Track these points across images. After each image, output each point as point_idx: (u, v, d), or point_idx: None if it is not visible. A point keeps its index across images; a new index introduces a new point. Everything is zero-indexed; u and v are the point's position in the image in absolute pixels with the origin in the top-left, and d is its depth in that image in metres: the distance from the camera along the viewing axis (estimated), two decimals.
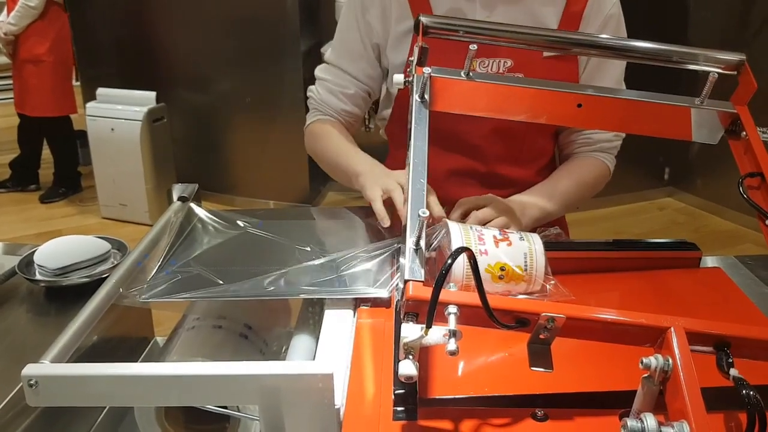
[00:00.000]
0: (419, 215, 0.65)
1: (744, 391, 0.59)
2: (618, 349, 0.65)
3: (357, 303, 0.88)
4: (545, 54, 1.18)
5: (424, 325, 0.60)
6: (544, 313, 0.61)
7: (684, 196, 4.38)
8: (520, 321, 0.62)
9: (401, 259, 0.76)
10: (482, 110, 0.93)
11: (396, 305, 0.86)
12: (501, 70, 1.19)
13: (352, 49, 1.29)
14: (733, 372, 0.62)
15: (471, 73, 0.89)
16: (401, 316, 0.63)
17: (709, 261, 1.06)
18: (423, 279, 0.62)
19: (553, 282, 0.88)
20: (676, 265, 1.01)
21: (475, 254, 0.84)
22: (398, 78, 0.94)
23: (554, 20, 1.19)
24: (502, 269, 0.85)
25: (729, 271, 1.01)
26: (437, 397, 0.68)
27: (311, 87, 1.36)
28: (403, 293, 0.62)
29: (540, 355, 0.64)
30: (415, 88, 0.84)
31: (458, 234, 0.87)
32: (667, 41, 0.91)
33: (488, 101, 0.91)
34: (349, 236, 1.05)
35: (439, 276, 0.59)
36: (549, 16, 1.19)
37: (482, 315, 0.61)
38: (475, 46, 0.87)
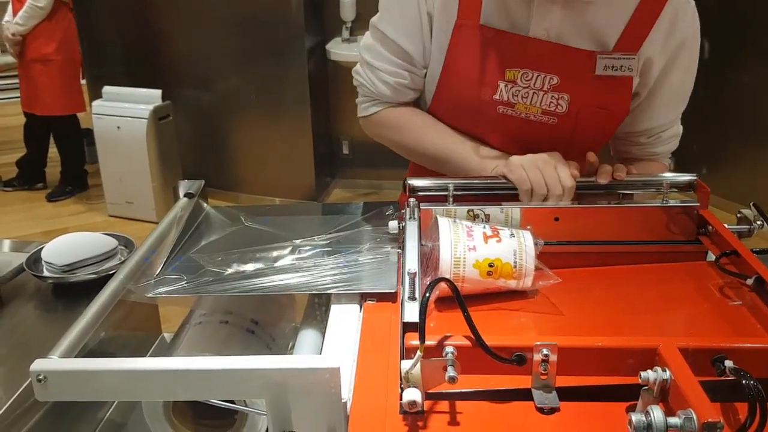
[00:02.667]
0: (408, 273, 0.76)
1: (744, 381, 0.59)
2: None
3: (363, 298, 0.89)
4: (597, 72, 1.09)
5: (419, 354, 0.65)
6: (537, 343, 0.66)
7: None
8: (517, 357, 0.68)
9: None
10: None
11: (401, 299, 0.86)
12: (546, 87, 1.11)
13: (408, 23, 1.14)
14: (728, 363, 0.63)
15: (454, 204, 1.02)
16: (402, 356, 0.71)
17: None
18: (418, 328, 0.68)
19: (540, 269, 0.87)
20: (681, 259, 1.01)
21: (464, 249, 0.85)
22: (393, 224, 1.01)
23: (614, 34, 1.09)
24: (490, 265, 0.84)
25: None
26: (443, 390, 0.68)
27: (359, 70, 1.21)
28: (402, 340, 0.70)
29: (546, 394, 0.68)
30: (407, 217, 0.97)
31: (447, 229, 0.87)
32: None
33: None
34: (355, 232, 1.05)
35: (420, 319, 0.67)
36: (609, 29, 1.09)
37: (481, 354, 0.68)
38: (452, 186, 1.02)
